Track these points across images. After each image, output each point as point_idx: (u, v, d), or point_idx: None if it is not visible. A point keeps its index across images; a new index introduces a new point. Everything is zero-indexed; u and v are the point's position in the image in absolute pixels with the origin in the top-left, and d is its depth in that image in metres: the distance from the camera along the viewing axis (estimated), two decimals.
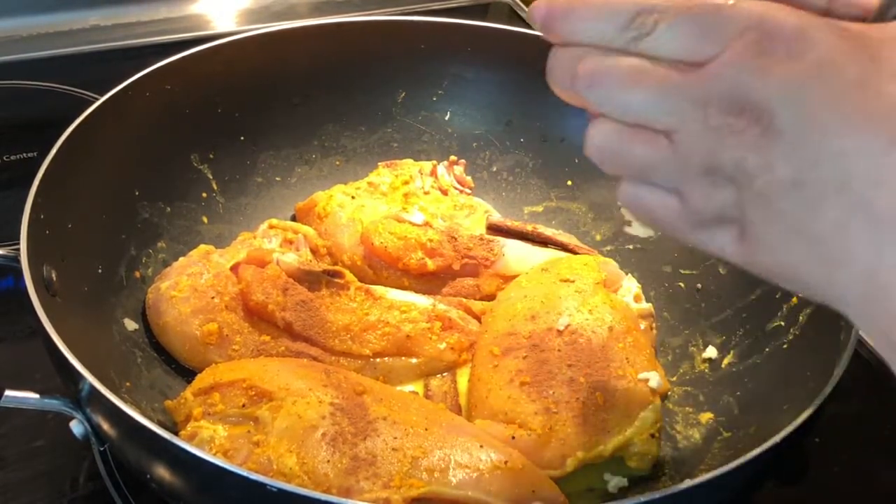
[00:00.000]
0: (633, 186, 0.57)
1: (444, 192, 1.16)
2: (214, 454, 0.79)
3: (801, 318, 0.92)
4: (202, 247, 1.04)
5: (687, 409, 0.96)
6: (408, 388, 0.96)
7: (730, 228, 0.54)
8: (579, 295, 0.97)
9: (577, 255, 1.08)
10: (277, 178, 1.20)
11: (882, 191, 0.47)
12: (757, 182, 0.50)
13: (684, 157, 0.53)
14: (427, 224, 1.08)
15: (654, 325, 1.03)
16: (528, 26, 1.65)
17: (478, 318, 1.01)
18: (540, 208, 1.21)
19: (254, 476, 0.65)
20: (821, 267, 0.51)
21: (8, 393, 0.77)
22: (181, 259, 1.02)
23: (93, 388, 0.71)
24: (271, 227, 1.08)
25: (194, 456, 0.66)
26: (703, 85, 0.51)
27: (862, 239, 0.48)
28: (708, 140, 0.51)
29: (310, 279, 0.99)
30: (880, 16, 0.53)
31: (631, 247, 1.14)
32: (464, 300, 1.03)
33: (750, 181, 0.51)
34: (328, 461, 0.77)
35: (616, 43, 0.54)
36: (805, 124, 0.48)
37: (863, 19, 0.52)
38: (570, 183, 1.21)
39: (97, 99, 0.99)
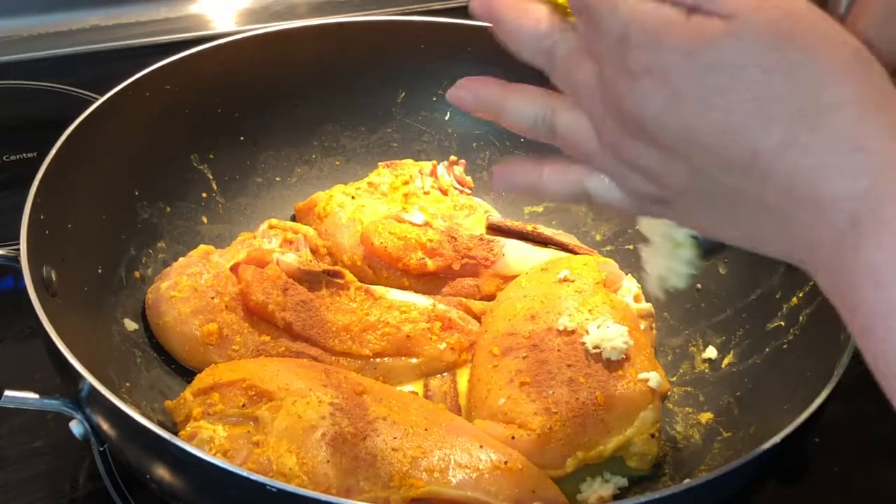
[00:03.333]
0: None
1: (444, 192, 1.16)
2: (214, 454, 0.79)
3: (801, 318, 0.92)
4: (202, 247, 1.04)
5: (687, 409, 0.96)
6: (408, 388, 0.96)
7: (652, 187, 0.56)
8: (579, 295, 0.97)
9: (577, 255, 1.08)
10: (277, 178, 1.20)
11: (825, 174, 0.49)
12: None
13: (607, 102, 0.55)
14: (427, 224, 1.08)
15: (654, 325, 1.03)
16: None
17: (478, 318, 1.01)
18: (540, 208, 1.21)
19: (254, 476, 0.65)
20: (756, 237, 0.54)
21: (8, 393, 0.77)
22: (181, 259, 1.02)
23: (93, 388, 0.71)
24: (271, 227, 1.08)
25: (194, 456, 0.66)
26: (600, 108, 0.55)
27: (804, 221, 0.50)
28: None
29: (310, 279, 0.99)
30: None
31: (631, 247, 1.14)
32: (464, 300, 1.03)
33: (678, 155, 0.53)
34: (328, 461, 0.77)
35: None
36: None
37: None
38: None
39: (97, 99, 0.99)
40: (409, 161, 1.20)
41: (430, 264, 1.04)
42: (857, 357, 0.82)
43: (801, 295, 0.93)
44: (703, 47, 0.50)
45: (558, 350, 0.91)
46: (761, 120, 0.49)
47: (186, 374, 0.95)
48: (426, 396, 0.95)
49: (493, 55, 1.22)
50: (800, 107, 0.48)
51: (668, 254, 0.66)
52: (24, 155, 1.30)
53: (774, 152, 0.49)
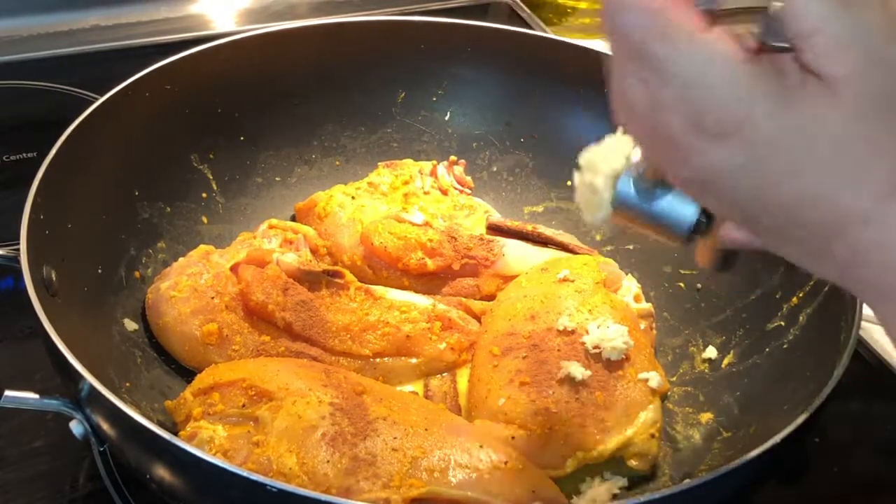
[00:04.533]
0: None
1: (444, 192, 1.16)
2: (214, 454, 0.79)
3: (801, 318, 0.92)
4: (202, 247, 1.04)
5: (687, 409, 0.96)
6: (408, 388, 0.96)
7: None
8: (579, 295, 0.97)
9: (577, 255, 1.08)
10: (277, 178, 1.20)
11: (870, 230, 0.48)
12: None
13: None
14: (427, 224, 1.08)
15: (654, 325, 1.03)
16: (528, 26, 1.65)
17: (478, 318, 1.01)
18: (540, 208, 1.21)
19: (254, 476, 0.65)
20: (803, 254, 0.52)
21: (8, 393, 0.77)
22: (181, 259, 1.02)
23: (93, 388, 0.71)
24: (271, 227, 1.08)
25: (194, 456, 0.66)
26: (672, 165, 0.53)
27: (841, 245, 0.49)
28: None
29: (310, 279, 0.99)
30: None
31: (631, 247, 1.14)
32: (464, 300, 1.03)
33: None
34: (328, 461, 0.77)
35: None
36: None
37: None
38: (570, 183, 1.20)
39: (97, 99, 0.99)
40: (409, 161, 1.20)
41: (430, 264, 1.04)
42: (856, 357, 0.82)
43: (801, 295, 0.93)
44: (797, 112, 0.47)
45: (558, 350, 0.91)
46: (851, 189, 0.47)
47: (186, 374, 0.95)
48: (426, 396, 0.95)
49: (492, 55, 1.24)
50: (891, 180, 0.46)
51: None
52: (24, 155, 1.30)
53: (855, 222, 0.47)
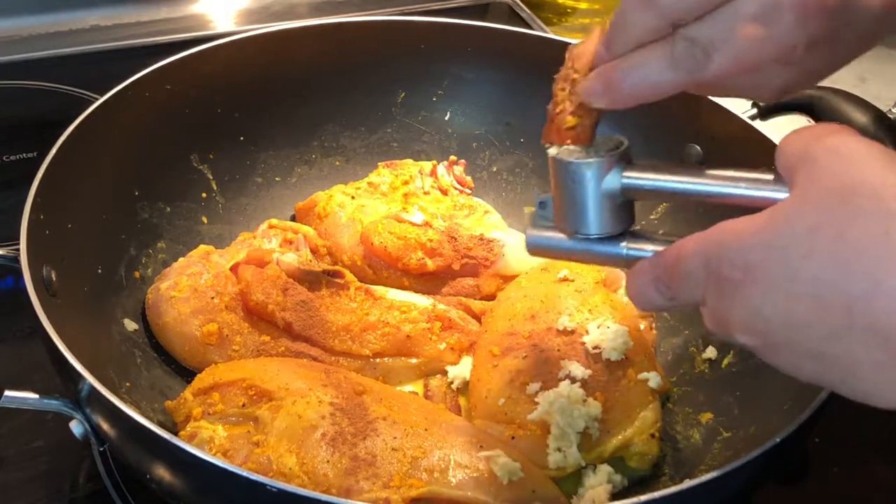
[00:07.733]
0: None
1: (444, 192, 1.16)
2: (214, 454, 0.79)
3: None
4: (202, 247, 1.04)
5: (687, 409, 0.96)
6: (408, 388, 0.96)
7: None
8: (579, 294, 0.97)
9: None
10: (277, 178, 1.20)
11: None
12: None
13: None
14: (427, 224, 1.08)
15: (654, 325, 1.03)
16: (528, 26, 1.65)
17: (478, 318, 1.01)
18: None
19: (254, 476, 0.65)
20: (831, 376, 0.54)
21: (8, 393, 0.77)
22: (181, 259, 1.02)
23: (93, 389, 0.71)
24: (271, 227, 1.08)
25: (194, 456, 0.66)
26: (713, 327, 0.59)
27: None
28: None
29: (310, 279, 0.99)
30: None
31: None
32: (464, 300, 1.03)
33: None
34: (328, 461, 0.77)
35: None
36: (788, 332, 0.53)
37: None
38: None
39: (97, 99, 0.99)
40: (409, 161, 1.19)
41: (430, 264, 1.04)
42: None
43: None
44: (775, 229, 0.52)
45: (558, 350, 0.91)
46: (845, 273, 0.50)
47: (186, 374, 0.95)
48: (426, 396, 0.95)
49: (492, 55, 1.24)
50: (876, 252, 0.49)
51: None
52: (24, 155, 1.30)
53: (865, 301, 0.49)
